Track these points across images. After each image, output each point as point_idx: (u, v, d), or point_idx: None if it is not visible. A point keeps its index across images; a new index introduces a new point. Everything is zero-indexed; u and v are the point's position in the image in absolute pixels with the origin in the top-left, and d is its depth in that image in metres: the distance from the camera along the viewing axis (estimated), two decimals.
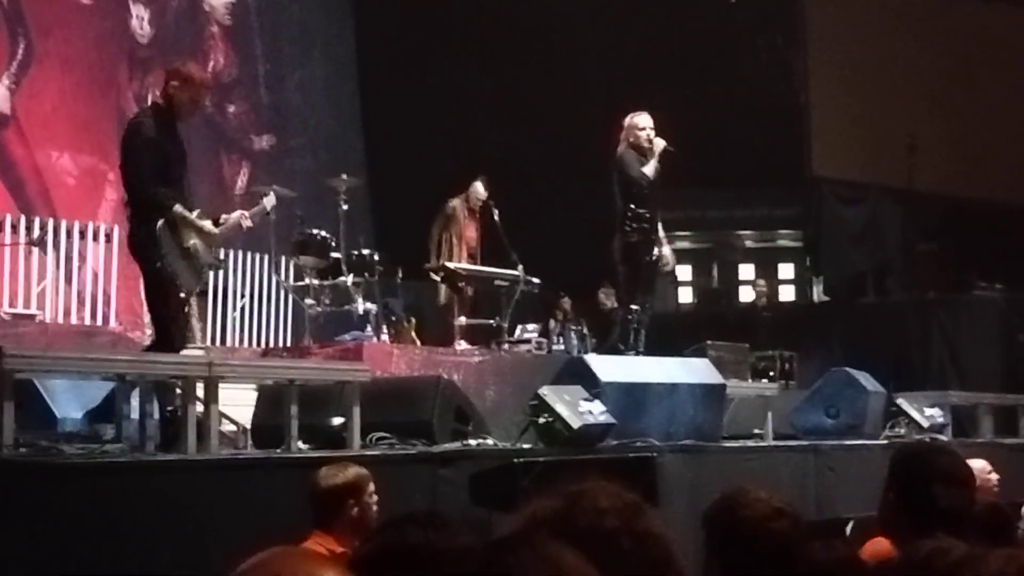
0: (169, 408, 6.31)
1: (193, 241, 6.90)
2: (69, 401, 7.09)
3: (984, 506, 4.32)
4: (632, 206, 9.60)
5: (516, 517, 2.12)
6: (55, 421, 6.92)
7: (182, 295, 6.85)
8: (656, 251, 9.90)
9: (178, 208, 6.77)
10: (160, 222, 6.72)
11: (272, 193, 8.63)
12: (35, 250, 10.43)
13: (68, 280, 10.90)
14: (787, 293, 16.96)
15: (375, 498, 5.04)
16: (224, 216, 7.60)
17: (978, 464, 6.82)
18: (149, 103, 7.19)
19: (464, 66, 14.72)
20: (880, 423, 9.77)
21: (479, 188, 11.15)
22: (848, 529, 7.09)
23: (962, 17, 16.48)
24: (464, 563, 1.87)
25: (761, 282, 15.55)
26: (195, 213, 7.03)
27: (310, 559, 1.65)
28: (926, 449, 4.25)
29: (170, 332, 6.81)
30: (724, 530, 2.96)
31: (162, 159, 6.80)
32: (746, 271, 16.97)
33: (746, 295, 16.28)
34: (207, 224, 7.02)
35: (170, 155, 6.88)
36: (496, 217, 11.01)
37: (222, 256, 8.23)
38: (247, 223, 7.65)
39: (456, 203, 11.24)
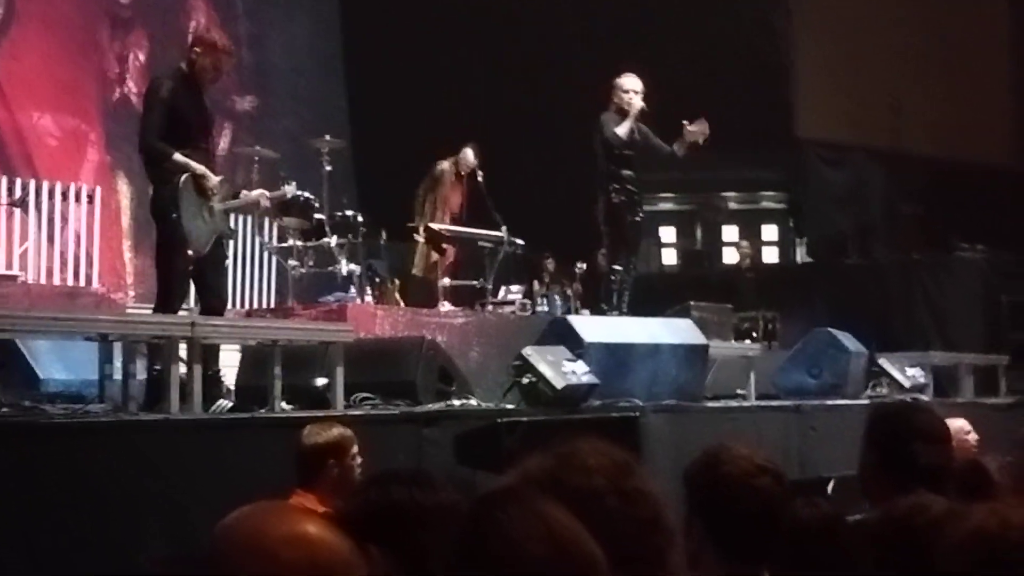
0: (156, 368, 6.30)
1: (211, 204, 6.94)
2: (52, 362, 7.08)
3: (963, 463, 4.34)
4: (615, 167, 9.59)
5: (508, 475, 2.13)
6: (38, 382, 6.92)
7: (190, 253, 6.84)
8: (641, 214, 9.91)
9: (177, 156, 6.76)
10: (183, 178, 6.74)
11: (294, 183, 8.70)
12: (17, 211, 10.38)
13: (51, 241, 10.86)
14: (770, 254, 16.98)
15: (359, 459, 5.04)
16: (244, 192, 7.70)
17: (957, 423, 6.87)
18: (173, 68, 7.19)
19: (448, 27, 14.63)
20: (862, 383, 9.82)
21: (469, 155, 11.12)
22: (830, 488, 7.13)
23: None
24: (451, 518, 1.88)
25: (745, 243, 15.57)
26: (216, 180, 7.03)
27: (294, 513, 1.66)
28: (904, 408, 4.28)
29: (171, 293, 6.80)
30: (706, 487, 2.95)
31: (177, 121, 6.84)
32: (730, 233, 16.98)
33: (730, 256, 16.30)
34: (212, 177, 7.00)
35: (189, 119, 6.92)
36: (480, 178, 10.99)
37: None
38: (265, 203, 7.82)
39: (445, 166, 11.23)
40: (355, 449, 5.04)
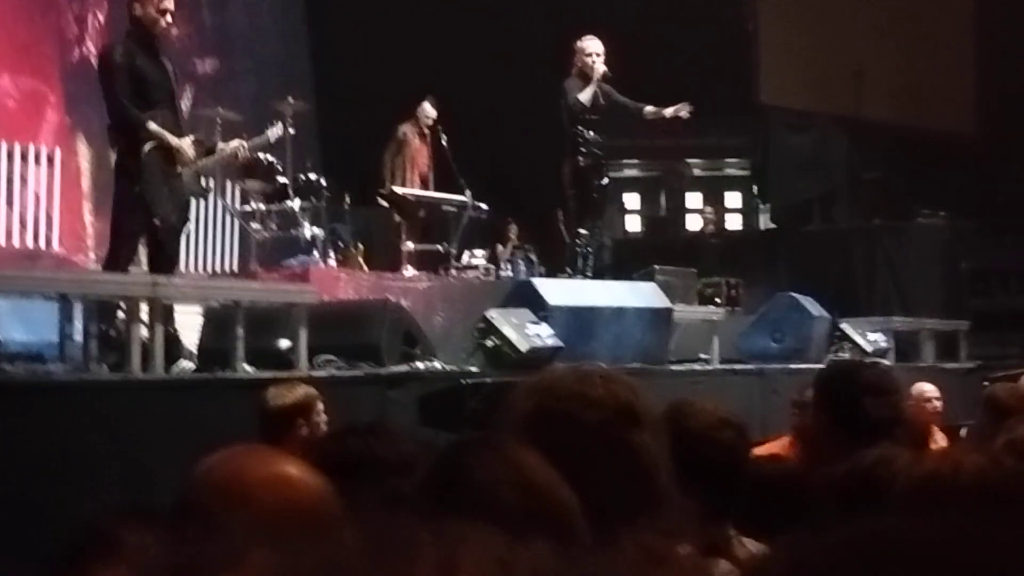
0: (104, 326, 6.26)
1: (180, 169, 6.84)
2: (11, 323, 7.01)
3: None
4: (579, 128, 9.56)
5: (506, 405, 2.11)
6: None
7: (156, 222, 6.77)
8: (606, 178, 9.90)
9: (152, 125, 6.69)
10: (147, 147, 6.66)
11: (279, 124, 8.52)
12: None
13: (10, 203, 10.73)
14: (734, 221, 17.04)
15: (324, 417, 5.03)
16: (221, 145, 7.58)
17: (922, 387, 6.94)
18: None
19: None
20: (824, 347, 9.89)
21: (427, 108, 11.10)
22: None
23: None
24: (410, 468, 1.87)
25: (709, 210, 15.62)
26: (189, 138, 6.95)
27: (272, 455, 1.65)
28: (851, 365, 4.31)
29: (119, 255, 6.76)
30: (669, 441, 2.97)
31: (138, 84, 6.76)
32: (694, 199, 17.01)
33: (694, 223, 16.33)
34: (185, 143, 6.92)
35: (148, 78, 6.82)
36: (444, 142, 10.95)
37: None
38: (244, 154, 7.68)
39: (406, 128, 11.20)
40: (320, 406, 5.03)
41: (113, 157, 7.09)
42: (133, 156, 6.69)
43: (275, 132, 8.40)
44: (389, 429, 2.73)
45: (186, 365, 6.50)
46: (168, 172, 6.80)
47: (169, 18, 6.95)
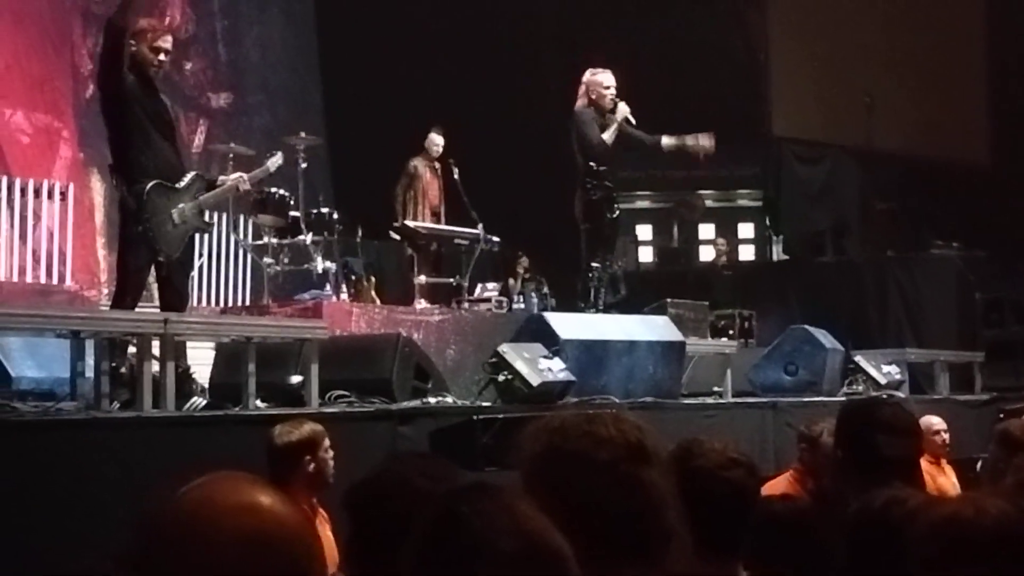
0: (114, 364, 6.25)
1: (182, 205, 6.88)
2: (24, 359, 7.02)
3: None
4: (592, 164, 9.55)
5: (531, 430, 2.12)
6: (9, 380, 6.86)
7: (161, 259, 6.80)
8: (617, 211, 9.89)
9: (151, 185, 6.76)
10: (149, 185, 6.69)
11: (279, 154, 8.55)
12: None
13: (23, 239, 10.77)
14: (747, 252, 17.01)
15: (331, 453, 5.03)
16: (221, 178, 7.62)
17: (929, 420, 6.90)
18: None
19: (423, 24, 14.60)
20: (838, 380, 9.84)
21: (435, 138, 11.12)
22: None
23: None
24: (425, 506, 1.87)
25: (721, 241, 15.60)
26: (187, 178, 6.98)
27: (245, 483, 1.60)
28: (870, 402, 4.31)
29: (126, 292, 6.78)
30: (678, 480, 2.96)
31: (138, 119, 6.81)
32: (706, 230, 17.00)
33: (706, 254, 16.32)
34: (185, 180, 6.95)
35: (148, 115, 6.85)
36: (456, 175, 10.97)
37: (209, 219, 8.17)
38: (245, 186, 7.71)
39: (417, 161, 11.23)
40: (327, 442, 5.02)
41: (117, 195, 7.12)
42: (135, 194, 6.69)
43: (275, 162, 8.46)
44: (446, 464, 2.73)
45: (198, 401, 6.49)
46: (170, 207, 6.79)
47: (164, 56, 6.96)
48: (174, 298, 6.94)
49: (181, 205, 6.87)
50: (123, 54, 6.77)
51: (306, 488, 4.92)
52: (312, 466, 4.94)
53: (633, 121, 9.59)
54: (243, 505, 1.54)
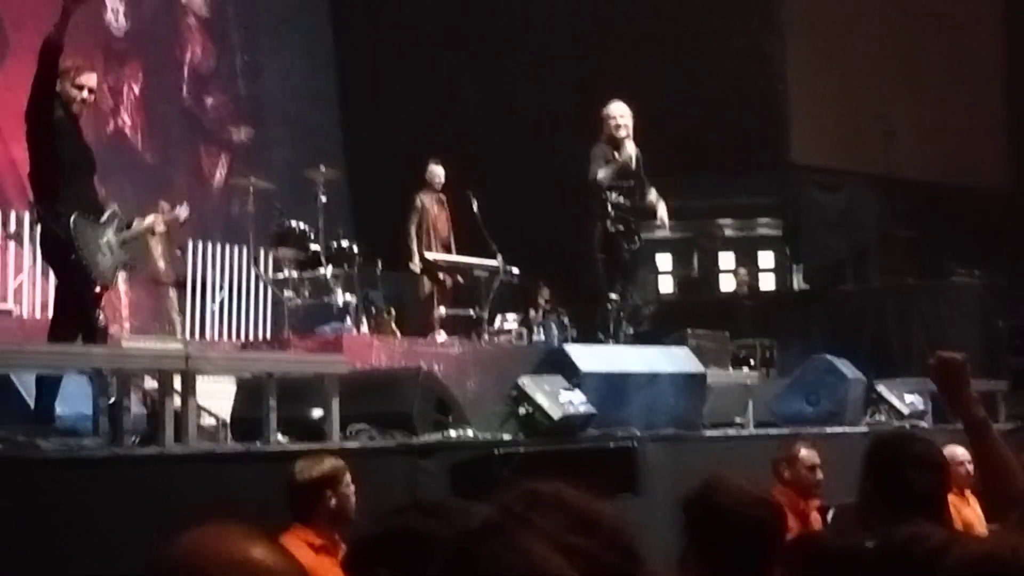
0: (110, 400, 6.24)
1: (107, 238, 6.85)
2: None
3: None
4: (607, 195, 9.56)
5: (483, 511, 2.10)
6: (32, 416, 6.87)
7: (97, 289, 6.77)
8: (637, 242, 9.89)
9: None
10: (73, 216, 6.65)
11: (186, 206, 8.65)
12: (11, 244, 10.36)
13: (45, 274, 10.81)
14: (767, 281, 16.98)
15: (352, 488, 5.03)
16: (137, 220, 7.59)
17: (953, 451, 6.85)
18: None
19: (440, 54, 14.68)
20: (860, 410, 9.81)
21: (435, 169, 11.18)
22: (829, 516, 7.10)
23: (941, 4, 16.51)
24: (439, 550, 1.86)
25: (741, 270, 15.58)
26: (107, 213, 6.95)
27: (237, 536, 1.60)
28: (898, 436, 4.29)
29: (66, 323, 6.70)
30: (701, 517, 2.95)
31: (59, 155, 6.74)
32: (726, 259, 16.98)
33: (726, 284, 16.29)
34: (104, 222, 6.91)
35: (70, 153, 6.79)
36: (475, 207, 10.99)
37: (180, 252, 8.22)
38: (160, 228, 7.73)
39: (423, 196, 11.32)
40: (348, 477, 5.02)
41: (38, 228, 7.07)
42: (62, 225, 6.64)
43: (183, 211, 8.56)
44: (451, 507, 2.73)
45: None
46: (98, 239, 6.78)
47: (87, 94, 6.90)
48: (96, 330, 6.77)
49: (106, 238, 6.85)
50: (55, 76, 6.72)
51: (328, 524, 4.93)
52: (334, 502, 4.95)
53: (633, 165, 9.58)
54: (234, 560, 1.54)
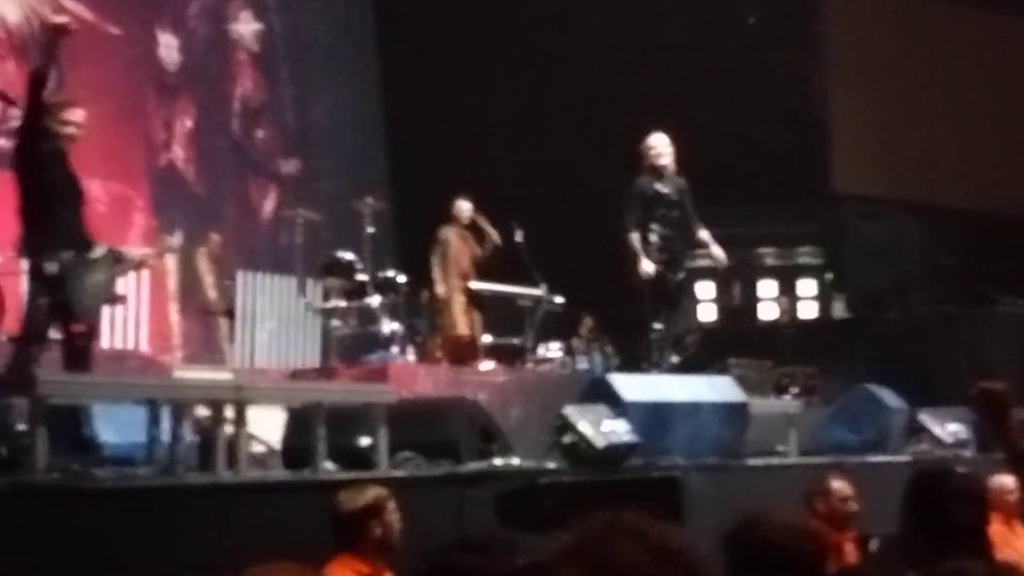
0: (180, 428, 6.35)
1: (98, 276, 6.88)
2: (102, 425, 7.19)
3: None
4: (653, 226, 9.66)
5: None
6: (87, 446, 7.02)
7: (82, 327, 6.73)
8: (682, 272, 9.97)
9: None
10: (67, 255, 6.70)
11: (179, 234, 8.97)
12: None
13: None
14: (809, 310, 16.94)
15: (396, 516, 5.09)
16: (131, 251, 7.69)
17: (1000, 481, 6.83)
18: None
19: (487, 87, 14.83)
20: (903, 439, 9.79)
21: (463, 206, 11.22)
22: (874, 546, 7.12)
23: (982, 31, 16.51)
24: None
25: (783, 299, 15.57)
26: (100, 251, 6.96)
27: (295, 572, 1.68)
28: (939, 471, 4.31)
29: (30, 359, 6.66)
30: (748, 551, 2.96)
31: (56, 190, 6.76)
32: (767, 288, 16.97)
33: (768, 312, 16.28)
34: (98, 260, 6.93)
35: (59, 191, 6.79)
36: (519, 237, 11.10)
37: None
38: (153, 261, 7.81)
39: (447, 230, 11.36)
40: (392, 506, 5.09)
41: (26, 264, 6.98)
42: (51, 263, 6.65)
43: (175, 242, 8.92)
44: (497, 545, 2.79)
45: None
46: (86, 279, 6.79)
47: (74, 130, 6.89)
48: (86, 363, 6.76)
49: (97, 277, 6.87)
50: (42, 109, 6.71)
51: (373, 553, 5.00)
52: (378, 531, 5.01)
53: (676, 196, 9.68)
54: None
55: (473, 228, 11.44)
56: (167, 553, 5.22)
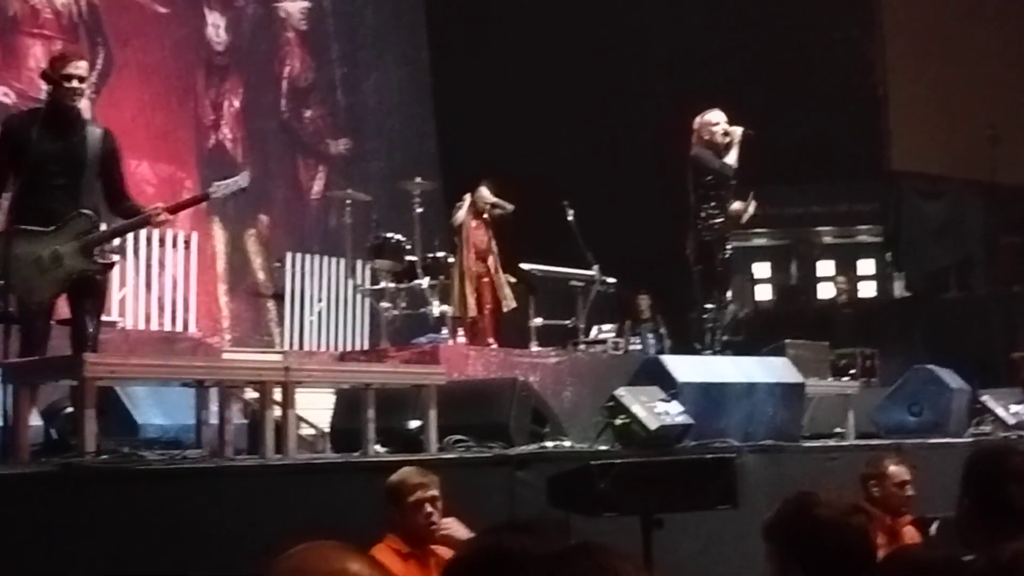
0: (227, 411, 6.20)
1: (55, 247, 6.30)
2: (150, 407, 7.18)
3: None
4: (705, 206, 9.51)
5: None
6: (136, 428, 7.01)
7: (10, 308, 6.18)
8: (729, 250, 9.81)
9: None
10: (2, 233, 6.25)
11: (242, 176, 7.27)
12: (116, 258, 10.55)
13: (148, 287, 11.04)
14: (867, 289, 16.72)
15: (433, 496, 5.00)
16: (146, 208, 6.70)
17: None
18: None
19: (537, 66, 14.69)
20: (964, 421, 9.62)
21: (484, 192, 10.82)
22: (933, 529, 6.97)
23: None
24: (528, 568, 1.89)
25: (841, 278, 15.38)
26: (66, 220, 6.33)
27: (336, 552, 1.68)
28: (998, 449, 4.19)
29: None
30: (803, 531, 2.92)
31: (24, 161, 6.26)
32: (825, 267, 16.76)
33: (826, 292, 16.09)
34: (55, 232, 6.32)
35: (45, 157, 6.29)
36: (570, 217, 10.97)
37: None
38: (160, 218, 6.59)
39: (462, 209, 10.87)
40: (434, 492, 5.00)
41: None
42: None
43: (218, 190, 7.01)
44: (545, 526, 2.75)
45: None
46: (39, 250, 6.25)
47: (77, 83, 6.34)
48: (39, 348, 6.23)
49: (55, 248, 6.30)
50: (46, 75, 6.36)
51: (417, 534, 4.95)
52: (421, 513, 4.94)
53: (750, 132, 9.53)
54: (331, 573, 1.64)
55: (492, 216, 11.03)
56: (215, 536, 5.19)
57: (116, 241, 10.42)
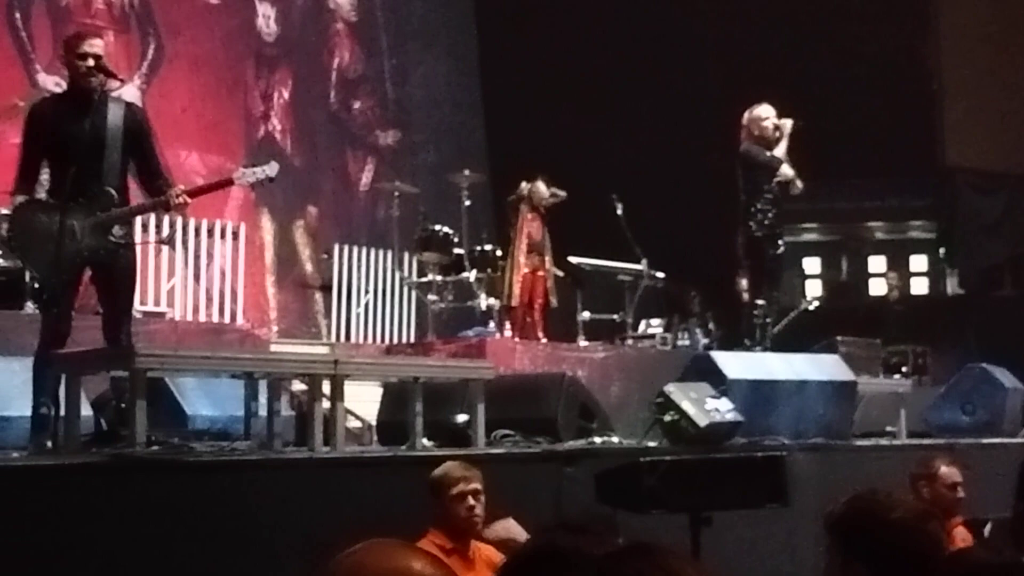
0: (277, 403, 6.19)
1: (72, 222, 6.06)
2: (199, 398, 7.19)
3: None
4: (755, 201, 9.41)
5: None
6: (185, 418, 7.03)
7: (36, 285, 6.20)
8: (781, 246, 9.69)
9: (19, 198, 6.15)
10: (13, 215, 6.17)
11: (254, 170, 6.91)
12: (165, 248, 10.60)
13: (196, 278, 11.07)
14: (920, 286, 16.56)
15: (482, 496, 4.98)
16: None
17: None
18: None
19: (585, 59, 14.62)
20: (1019, 421, 9.51)
21: (540, 188, 10.73)
22: (987, 530, 6.86)
23: None
24: (583, 568, 1.87)
25: (892, 275, 15.21)
26: (87, 197, 6.11)
27: (398, 550, 1.68)
28: None
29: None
30: (873, 531, 2.86)
31: (50, 145, 6.16)
32: (877, 263, 16.60)
33: (877, 288, 15.93)
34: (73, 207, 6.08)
35: (66, 140, 6.11)
36: (619, 211, 10.91)
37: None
38: (177, 200, 6.17)
39: (522, 205, 10.77)
40: (477, 485, 4.98)
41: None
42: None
43: (244, 175, 6.79)
44: (600, 526, 2.72)
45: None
46: (51, 227, 6.01)
47: (92, 62, 6.09)
48: (62, 324, 6.03)
49: (72, 223, 6.08)
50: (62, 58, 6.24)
51: (460, 529, 4.96)
52: (466, 507, 4.94)
53: (800, 123, 9.43)
54: (394, 571, 1.62)
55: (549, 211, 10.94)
56: (264, 527, 5.19)
57: (166, 231, 10.53)
